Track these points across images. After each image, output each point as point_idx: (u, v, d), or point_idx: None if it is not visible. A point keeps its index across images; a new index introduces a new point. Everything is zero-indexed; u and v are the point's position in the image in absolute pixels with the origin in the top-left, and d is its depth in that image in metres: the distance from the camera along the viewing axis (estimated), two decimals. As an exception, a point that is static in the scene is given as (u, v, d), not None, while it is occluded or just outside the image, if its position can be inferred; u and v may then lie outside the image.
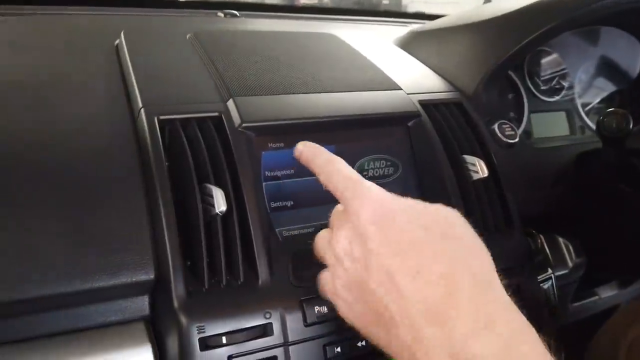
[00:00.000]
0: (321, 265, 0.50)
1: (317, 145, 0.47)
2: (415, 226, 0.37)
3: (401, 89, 0.63)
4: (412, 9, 1.44)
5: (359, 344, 0.47)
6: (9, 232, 0.42)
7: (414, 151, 0.60)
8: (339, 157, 0.44)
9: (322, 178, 0.43)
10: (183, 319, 0.43)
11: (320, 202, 0.54)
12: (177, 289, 0.44)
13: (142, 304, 0.48)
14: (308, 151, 0.46)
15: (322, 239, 0.43)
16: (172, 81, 0.57)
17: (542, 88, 0.83)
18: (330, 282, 0.41)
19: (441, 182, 0.58)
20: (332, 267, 0.41)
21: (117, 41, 0.67)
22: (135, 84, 0.55)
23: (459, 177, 0.59)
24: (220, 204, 0.46)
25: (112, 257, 0.44)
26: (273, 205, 0.52)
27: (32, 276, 0.41)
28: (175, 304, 0.43)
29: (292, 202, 0.53)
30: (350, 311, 0.39)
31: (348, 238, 0.39)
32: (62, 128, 0.50)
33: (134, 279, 0.45)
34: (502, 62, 0.67)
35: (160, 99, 0.53)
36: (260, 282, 0.46)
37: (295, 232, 0.53)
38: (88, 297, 0.45)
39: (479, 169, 0.60)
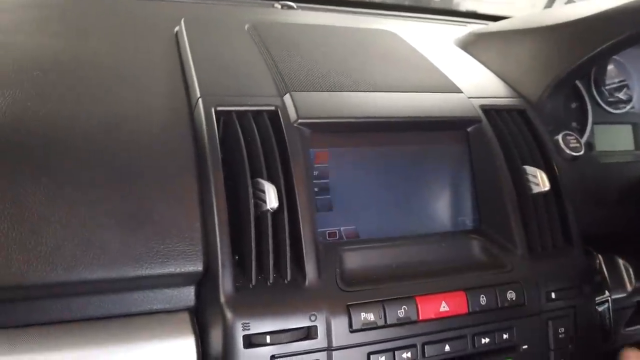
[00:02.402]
0: (369, 271, 0.49)
1: None
2: None
3: (462, 92, 0.61)
4: (464, 6, 1.40)
5: (404, 355, 0.45)
6: (65, 215, 0.42)
7: (471, 158, 0.58)
8: None
9: None
10: (229, 315, 0.42)
11: (360, 208, 0.53)
12: (225, 283, 0.43)
13: (188, 295, 0.48)
14: None
15: None
16: (230, 72, 0.56)
17: (608, 99, 0.79)
18: None
19: (499, 193, 0.55)
20: None
21: (176, 28, 0.67)
22: (194, 73, 0.55)
23: (518, 189, 0.56)
24: (272, 200, 0.46)
25: (163, 246, 0.44)
26: (319, 204, 0.51)
27: (85, 260, 0.42)
28: (222, 298, 0.43)
29: (334, 203, 0.52)
30: None
31: None
32: (120, 113, 0.51)
33: (182, 270, 0.44)
34: (573, 70, 0.64)
35: (218, 89, 0.53)
36: (307, 282, 0.46)
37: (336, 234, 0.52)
38: (136, 283, 0.45)
39: (540, 181, 0.57)
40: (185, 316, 0.47)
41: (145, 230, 0.44)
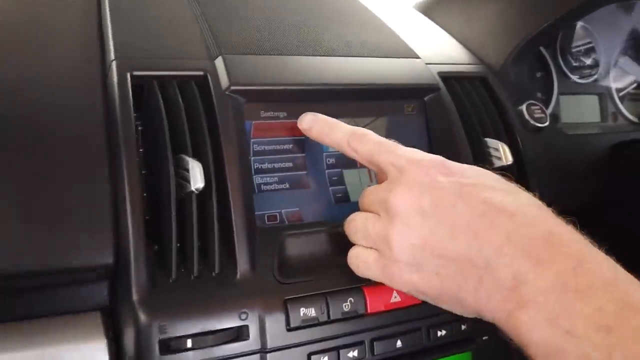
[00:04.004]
0: (313, 260, 0.43)
1: (330, 118, 0.44)
2: (483, 175, 0.37)
3: (419, 58, 0.55)
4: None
5: (350, 354, 0.40)
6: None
7: (429, 130, 0.52)
8: (361, 128, 0.42)
9: (356, 155, 0.41)
10: (142, 315, 0.36)
11: (314, 185, 0.47)
12: (138, 278, 0.37)
13: (100, 292, 0.41)
14: (321, 125, 0.43)
15: (359, 219, 0.39)
16: (154, 32, 0.49)
17: (575, 68, 0.75)
18: (383, 252, 0.37)
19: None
20: (394, 229, 0.36)
21: (97, -16, 0.58)
22: (110, 32, 0.47)
23: (478, 163, 0.51)
24: (197, 179, 0.39)
25: (65, 234, 0.37)
26: (260, 184, 0.45)
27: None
28: (135, 296, 0.36)
29: (281, 183, 0.46)
30: (420, 273, 0.35)
31: (413, 194, 0.35)
32: (23, 78, 0.43)
33: (88, 263, 0.38)
34: (537, 34, 0.59)
35: (138, 51, 0.45)
36: (238, 275, 0.39)
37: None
38: (36, 281, 0.38)
39: (503, 155, 0.52)
40: (97, 317, 0.40)
41: (42, 216, 0.37)
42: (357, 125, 0.49)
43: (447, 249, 0.33)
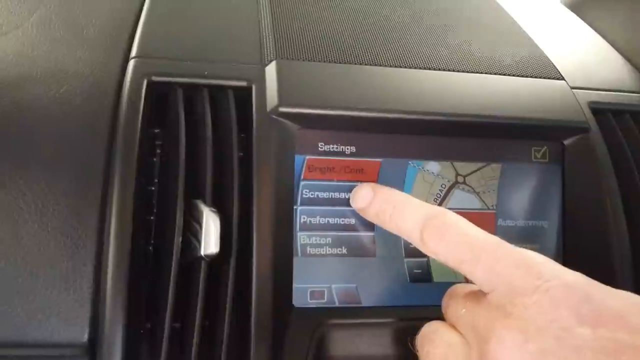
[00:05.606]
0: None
1: (395, 193, 0.29)
2: None
3: (563, 79, 0.38)
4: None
5: None
6: None
7: (564, 188, 0.36)
8: (442, 210, 0.27)
9: (435, 256, 0.26)
10: None
11: (383, 253, 0.33)
12: (107, 375, 0.26)
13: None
14: (382, 205, 0.29)
15: (438, 341, 0.25)
16: (197, 26, 0.38)
17: None
18: None
19: (605, 257, 0.33)
20: None
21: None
22: (142, 20, 0.37)
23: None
24: (209, 242, 0.28)
25: (29, 298, 0.28)
26: (306, 245, 0.32)
27: None
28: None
29: (336, 246, 0.33)
30: None
31: (527, 351, 0.21)
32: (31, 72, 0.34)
33: (55, 339, 0.28)
34: None
35: (166, 49, 0.34)
36: (250, 384, 0.28)
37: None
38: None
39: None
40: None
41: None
42: (459, 174, 0.34)
43: None
